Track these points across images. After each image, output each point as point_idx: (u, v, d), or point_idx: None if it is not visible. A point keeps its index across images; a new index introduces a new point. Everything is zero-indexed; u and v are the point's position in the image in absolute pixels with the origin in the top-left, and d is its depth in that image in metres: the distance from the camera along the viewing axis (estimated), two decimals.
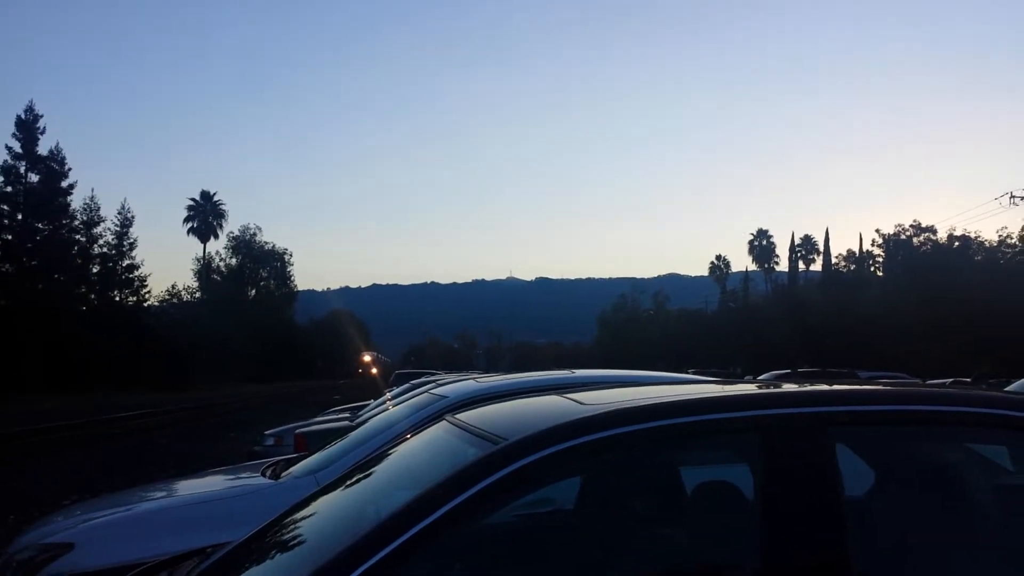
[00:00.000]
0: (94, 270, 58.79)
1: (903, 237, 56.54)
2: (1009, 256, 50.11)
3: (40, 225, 52.47)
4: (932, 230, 55.02)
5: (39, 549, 3.91)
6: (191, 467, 10.50)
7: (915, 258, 53.80)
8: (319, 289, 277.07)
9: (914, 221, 56.31)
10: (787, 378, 23.58)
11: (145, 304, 63.25)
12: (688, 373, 11.85)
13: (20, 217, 51.66)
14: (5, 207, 50.90)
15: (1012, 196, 45.24)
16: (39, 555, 3.85)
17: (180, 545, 3.21)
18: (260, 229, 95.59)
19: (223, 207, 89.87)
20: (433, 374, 18.81)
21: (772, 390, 2.61)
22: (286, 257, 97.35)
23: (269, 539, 2.54)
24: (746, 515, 2.20)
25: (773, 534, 2.03)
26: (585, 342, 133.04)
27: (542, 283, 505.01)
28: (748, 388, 2.71)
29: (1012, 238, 50.09)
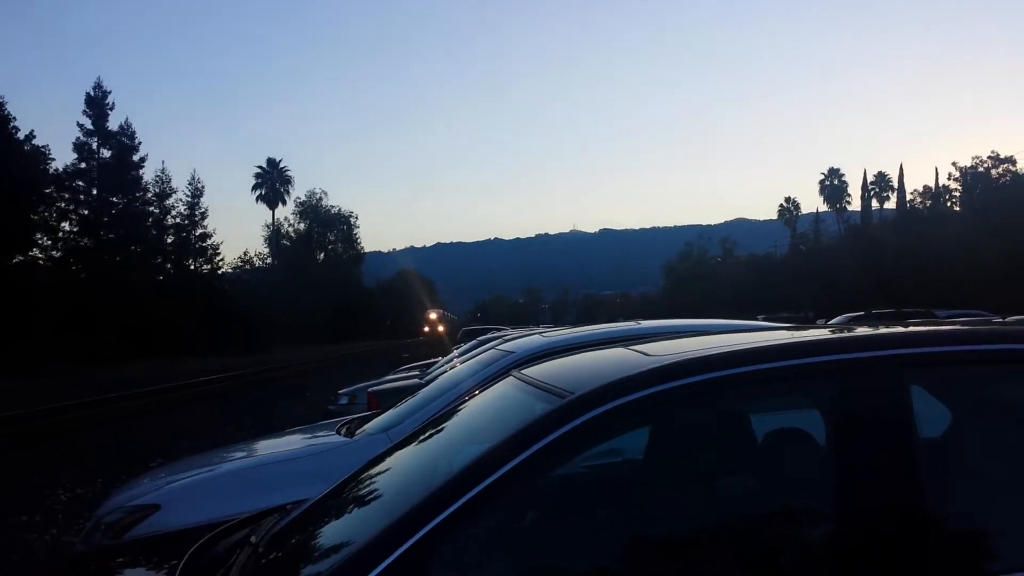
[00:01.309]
0: (168, 241, 60.33)
1: (981, 170, 54.50)
2: None
3: (115, 199, 53.92)
4: (1012, 161, 52.92)
5: (127, 511, 4.08)
6: (270, 427, 10.80)
7: (994, 191, 51.80)
8: (385, 250, 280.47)
9: (992, 152, 54.22)
10: (861, 321, 23.06)
11: (219, 272, 64.76)
12: (757, 320, 11.68)
13: (95, 192, 53.16)
14: (81, 183, 52.35)
15: None
16: (127, 517, 4.03)
17: (261, 503, 3.30)
18: (326, 193, 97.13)
19: (289, 173, 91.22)
20: (499, 330, 18.93)
21: (842, 334, 2.55)
22: (352, 220, 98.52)
23: (346, 495, 2.60)
24: (819, 462, 2.17)
25: (847, 480, 2.01)
26: (652, 292, 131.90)
27: (606, 234, 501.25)
28: (817, 333, 2.65)
29: None
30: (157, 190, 58.38)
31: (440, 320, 72.48)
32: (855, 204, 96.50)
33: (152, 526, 3.87)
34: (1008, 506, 2.12)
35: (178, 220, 61.09)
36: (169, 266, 60.73)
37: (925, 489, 1.99)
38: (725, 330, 4.81)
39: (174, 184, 60.19)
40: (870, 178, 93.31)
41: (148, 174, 57.38)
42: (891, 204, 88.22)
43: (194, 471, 4.50)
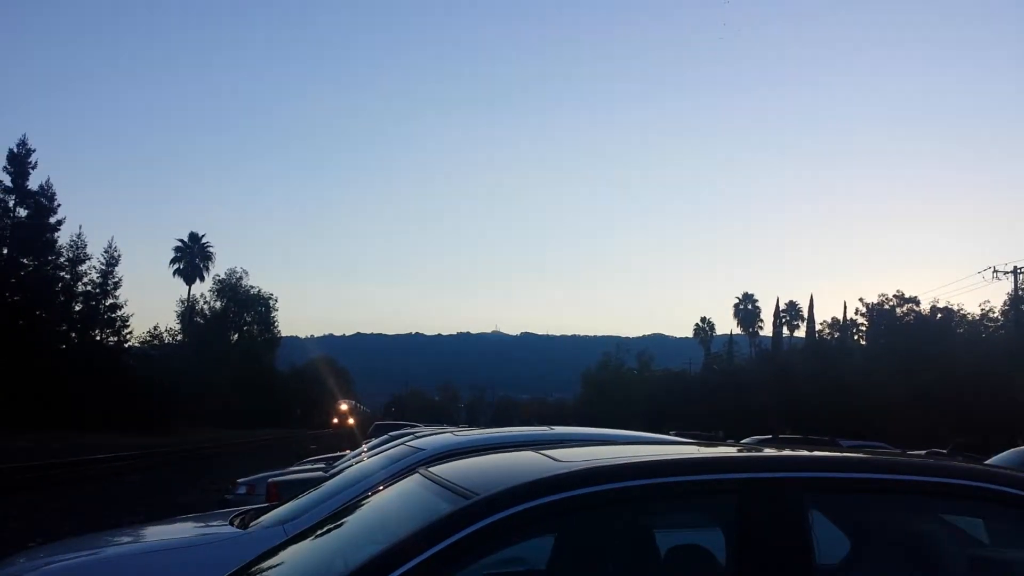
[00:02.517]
0: (76, 308, 58.29)
1: (886, 307, 56.90)
2: (991, 330, 50.52)
3: (25, 260, 52.14)
4: (915, 301, 55.45)
5: None
6: (161, 513, 10.30)
7: (898, 328, 54.11)
8: (303, 336, 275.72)
9: (897, 291, 56.70)
10: (768, 443, 23.51)
11: (126, 345, 62.56)
12: (670, 434, 11.81)
13: (5, 251, 51.36)
14: None
15: (995, 270, 45.83)
16: None
17: None
18: (247, 273, 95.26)
19: (211, 249, 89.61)
20: (412, 426, 18.67)
21: (747, 453, 2.60)
22: (271, 302, 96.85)
23: None
24: None
25: None
26: (569, 399, 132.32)
27: (527, 338, 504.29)
28: (723, 451, 2.70)
29: (994, 312, 50.56)
30: (71, 255, 56.51)
31: (351, 412, 70.98)
32: (767, 330, 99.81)
33: None
34: None
35: (89, 288, 59.13)
36: (74, 335, 58.45)
37: None
38: (637, 441, 4.84)
39: (89, 251, 58.46)
40: (782, 306, 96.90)
41: (64, 238, 55.76)
42: (801, 332, 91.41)
43: (76, 553, 4.27)
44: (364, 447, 12.26)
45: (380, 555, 1.96)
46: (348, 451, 14.06)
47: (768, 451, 2.64)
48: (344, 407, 74.18)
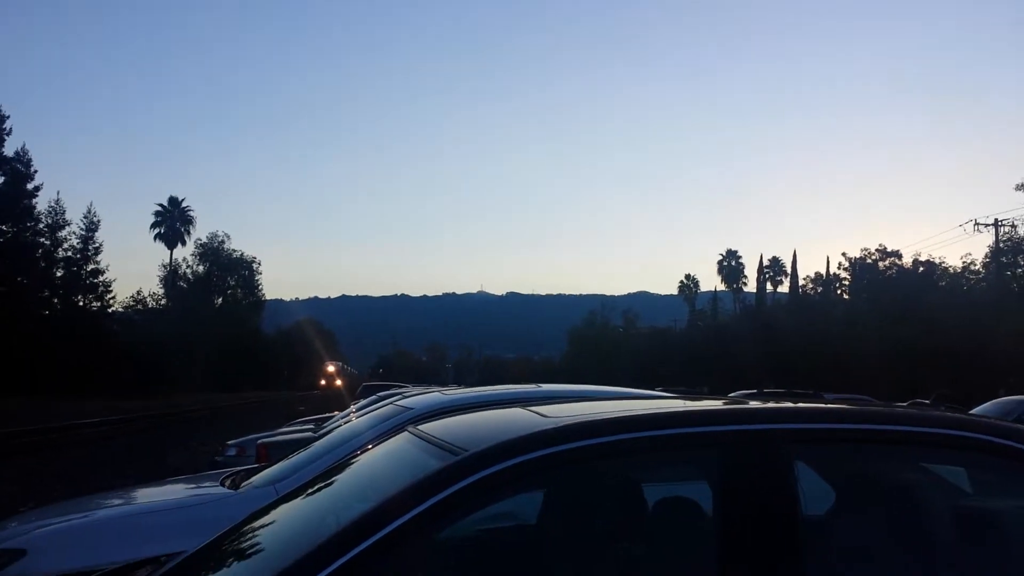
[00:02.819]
0: (58, 274, 57.84)
1: (869, 261, 57.22)
2: (973, 283, 50.95)
3: (4, 227, 51.54)
4: (897, 255, 55.77)
5: None
6: (151, 476, 10.33)
7: (880, 282, 54.49)
8: (288, 299, 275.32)
9: (880, 246, 56.97)
10: (752, 398, 23.70)
11: (109, 310, 62.24)
12: (656, 391, 11.89)
13: None
14: None
15: (976, 223, 46.08)
16: None
17: (134, 553, 3.16)
18: (229, 237, 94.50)
19: (191, 213, 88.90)
20: (400, 386, 18.72)
21: (732, 406, 2.62)
22: (254, 266, 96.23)
23: (225, 548, 2.50)
24: (705, 532, 2.21)
25: (731, 552, 2.04)
26: (555, 357, 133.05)
27: (513, 298, 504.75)
28: (709, 404, 2.72)
29: (975, 264, 50.95)
30: (50, 221, 55.98)
31: (339, 373, 70.63)
32: (751, 286, 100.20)
33: (17, 572, 3.64)
34: None
35: (70, 253, 58.64)
36: (56, 301, 58.04)
37: (805, 566, 2.03)
38: (622, 397, 4.88)
39: (69, 216, 57.85)
40: (765, 262, 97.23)
41: (42, 204, 55.13)
42: (784, 288, 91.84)
43: (66, 516, 4.28)
44: (352, 408, 12.30)
45: (372, 511, 1.97)
46: (336, 412, 14.09)
47: (754, 404, 2.67)
48: (331, 368, 73.71)
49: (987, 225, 46.07)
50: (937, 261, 52.83)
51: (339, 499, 2.57)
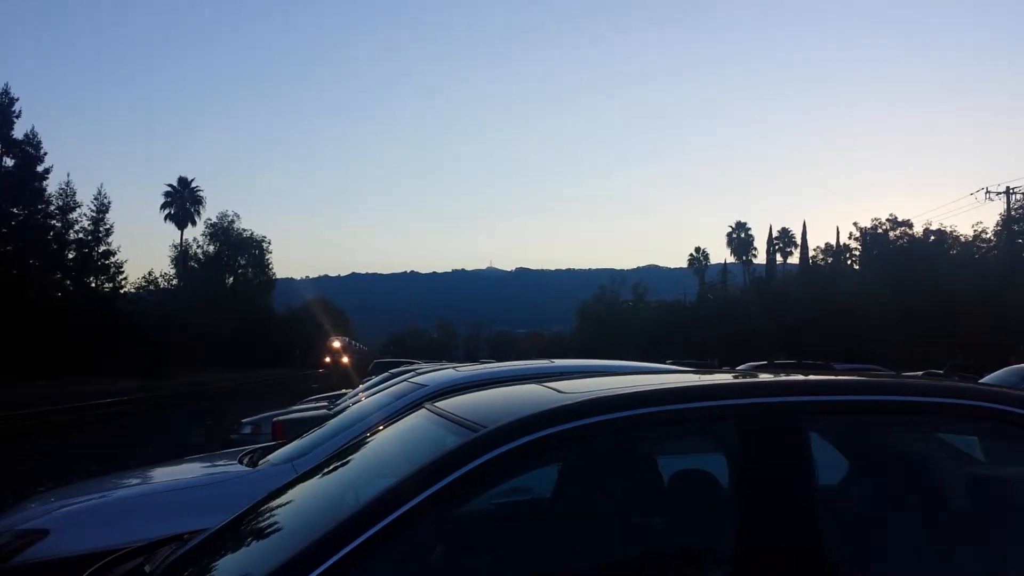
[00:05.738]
0: (69, 256, 57.98)
1: (879, 231, 56.89)
2: (984, 251, 50.66)
3: (15, 210, 51.66)
4: (908, 224, 55.44)
5: (13, 535, 3.87)
6: (168, 454, 10.42)
7: (891, 252, 54.18)
8: (298, 278, 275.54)
9: (890, 215, 56.63)
10: (763, 369, 23.71)
11: (121, 291, 62.34)
12: (667, 364, 11.92)
13: None
14: None
15: (987, 191, 45.77)
16: (14, 541, 3.81)
17: (156, 531, 3.18)
18: (239, 216, 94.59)
19: (201, 193, 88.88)
20: (412, 363, 18.79)
21: (746, 380, 2.63)
22: (264, 245, 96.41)
23: (246, 526, 2.53)
24: (722, 504, 2.23)
25: (747, 523, 2.06)
26: (565, 332, 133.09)
27: (522, 273, 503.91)
28: (723, 378, 2.73)
29: (987, 233, 50.64)
30: (61, 203, 56.00)
31: (345, 349, 64.96)
32: (761, 257, 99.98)
33: (40, 552, 3.68)
34: (899, 555, 2.20)
35: (81, 235, 58.74)
36: (69, 283, 58.26)
37: (820, 536, 2.05)
38: (636, 371, 4.90)
39: (79, 198, 57.88)
40: (775, 233, 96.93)
41: (52, 186, 55.16)
42: (795, 259, 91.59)
43: (86, 496, 4.32)
44: (362, 385, 12.33)
45: (391, 488, 1.99)
46: (350, 390, 14.16)
47: (766, 376, 2.68)
48: (336, 344, 66.26)
49: (998, 193, 45.77)
50: (948, 230, 52.59)
51: (359, 477, 2.60)
